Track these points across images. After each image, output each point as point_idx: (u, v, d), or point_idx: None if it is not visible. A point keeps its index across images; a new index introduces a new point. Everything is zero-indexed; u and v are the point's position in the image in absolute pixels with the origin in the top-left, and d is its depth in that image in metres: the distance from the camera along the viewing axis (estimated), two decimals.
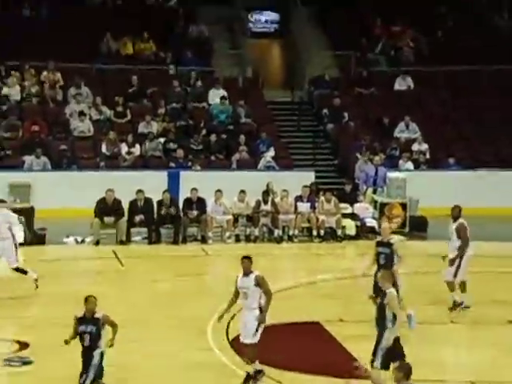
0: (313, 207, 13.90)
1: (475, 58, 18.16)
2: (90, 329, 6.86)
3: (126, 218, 13.52)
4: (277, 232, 13.71)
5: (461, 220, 9.80)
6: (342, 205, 14.12)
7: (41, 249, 13.07)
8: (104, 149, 16.05)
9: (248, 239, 13.70)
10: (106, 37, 18.27)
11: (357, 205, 14.38)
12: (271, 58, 20.47)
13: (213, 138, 16.40)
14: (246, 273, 7.60)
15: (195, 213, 13.60)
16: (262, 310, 7.50)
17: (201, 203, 13.71)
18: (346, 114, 17.42)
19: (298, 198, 14.00)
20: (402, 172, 15.24)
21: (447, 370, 7.65)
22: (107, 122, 16.73)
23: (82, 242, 13.48)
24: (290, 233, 13.76)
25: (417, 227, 14.16)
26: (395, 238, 9.14)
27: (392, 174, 14.67)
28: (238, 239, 13.69)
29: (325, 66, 18.44)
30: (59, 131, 16.38)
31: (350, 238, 13.41)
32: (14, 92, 16.81)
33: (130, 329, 9.23)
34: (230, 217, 13.67)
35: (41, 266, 12.33)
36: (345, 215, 13.98)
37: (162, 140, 16.37)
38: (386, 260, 8.89)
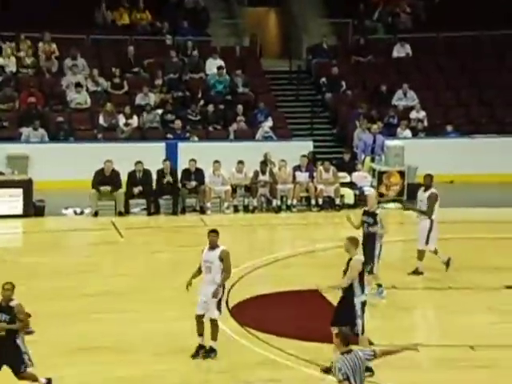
0: (311, 177, 13.93)
1: (474, 22, 17.98)
2: (4, 317, 6.59)
3: (124, 189, 13.53)
4: (275, 202, 13.76)
5: (433, 189, 9.92)
6: (341, 174, 14.16)
7: (40, 220, 13.12)
8: (101, 120, 15.99)
9: (246, 209, 13.75)
10: (102, 7, 18.03)
11: (355, 173, 14.42)
12: (268, 27, 20.25)
13: (210, 108, 16.33)
14: (213, 246, 7.64)
15: (194, 183, 13.60)
16: (218, 285, 7.51)
17: (199, 174, 13.71)
18: (343, 83, 17.32)
19: (297, 168, 14.02)
20: (400, 140, 15.19)
21: (446, 334, 7.79)
22: (104, 94, 16.63)
23: (81, 213, 13.52)
24: (289, 202, 13.80)
25: (414, 195, 14.22)
26: (380, 209, 9.23)
27: (390, 142, 14.68)
28: (236, 210, 13.74)
29: (322, 34, 18.25)
30: (56, 103, 16.30)
31: (349, 206, 13.48)
32: (9, 63, 16.66)
33: (129, 299, 9.37)
34: (229, 187, 13.69)
35: (40, 238, 12.45)
36: (343, 184, 14.02)
37: (159, 111, 16.29)
38: (367, 229, 9.02)
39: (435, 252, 9.91)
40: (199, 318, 7.63)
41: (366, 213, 9.12)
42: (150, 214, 13.47)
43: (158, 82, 16.87)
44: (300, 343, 8.12)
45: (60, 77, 16.67)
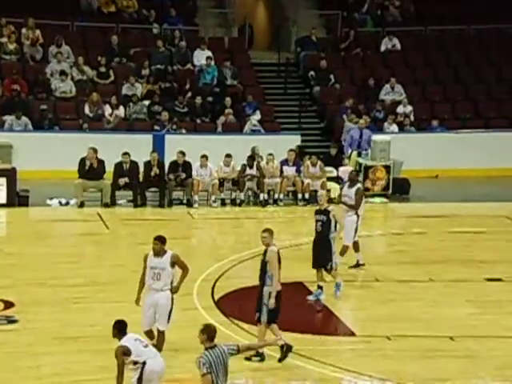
0: (298, 171, 14.16)
1: (463, 17, 18.30)
2: None
3: (110, 180, 13.65)
4: (262, 196, 13.99)
5: (359, 184, 10.29)
6: (328, 168, 14.41)
7: (24, 210, 13.22)
8: (87, 110, 16.07)
9: (233, 203, 13.96)
10: None
11: (341, 168, 14.70)
12: (257, 18, 20.40)
13: (198, 100, 16.47)
14: (158, 254, 7.47)
15: (183, 175, 13.78)
16: (177, 285, 7.44)
17: (186, 167, 13.89)
18: (332, 77, 17.55)
19: (284, 162, 14.25)
20: (387, 135, 15.47)
21: (426, 325, 8.11)
22: (90, 83, 16.70)
23: (66, 204, 13.64)
24: (276, 196, 14.04)
25: (399, 189, 14.55)
26: (332, 206, 9.40)
27: (376, 137, 14.92)
28: (223, 203, 13.94)
29: (312, 26, 18.45)
30: (40, 91, 16.31)
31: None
32: None
33: (113, 289, 9.57)
34: (216, 181, 13.88)
35: (24, 228, 12.57)
36: (330, 179, 14.30)
37: (146, 102, 16.40)
38: (322, 227, 9.19)
39: (347, 248, 10.05)
40: (149, 333, 7.47)
41: (318, 212, 9.29)
42: (136, 206, 13.63)
43: (145, 72, 16.98)
44: (284, 334, 8.38)
45: (44, 64, 16.69)
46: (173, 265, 7.43)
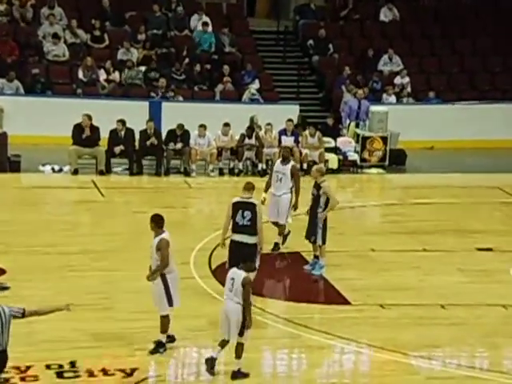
0: (296, 141, 14.31)
1: None
2: None
3: (105, 147, 13.75)
4: (260, 166, 14.14)
5: (293, 162, 9.99)
6: (326, 139, 14.57)
7: (15, 176, 13.20)
8: (81, 75, 16.04)
9: (232, 173, 14.10)
10: None
11: (340, 139, 14.88)
12: None
13: (196, 67, 16.49)
14: (155, 234, 7.41)
15: (179, 145, 13.88)
16: (150, 273, 7.32)
17: (184, 135, 13.98)
18: (330, 46, 17.60)
19: (282, 132, 14.39)
20: (384, 106, 15.59)
21: (418, 294, 8.41)
22: (83, 47, 16.65)
23: (60, 170, 13.68)
24: None
25: (396, 160, 14.76)
26: (325, 182, 9.25)
27: (374, 108, 15.04)
28: (221, 172, 14.07)
29: None
30: (31, 54, 16.24)
31: (333, 171, 13.95)
32: None
33: (108, 257, 9.77)
34: (214, 150, 14.02)
35: (16, 194, 12.66)
36: (328, 149, 14.45)
37: (142, 68, 16.41)
38: (313, 201, 9.39)
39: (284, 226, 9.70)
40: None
41: (314, 185, 9.41)
42: (132, 174, 13.73)
43: (141, 37, 16.95)
44: (279, 303, 8.69)
45: (36, 26, 16.59)
46: (157, 250, 7.37)
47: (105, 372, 7.05)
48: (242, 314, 6.88)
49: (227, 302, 7.01)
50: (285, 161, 9.83)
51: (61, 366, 7.09)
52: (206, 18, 17.33)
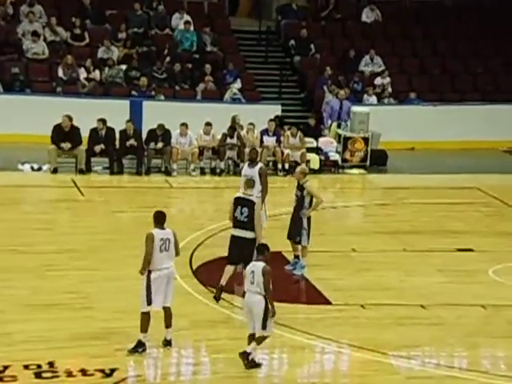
0: (278, 141, 14.35)
1: None
2: None
3: (85, 146, 13.66)
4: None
5: (260, 164, 9.90)
6: (307, 139, 14.63)
7: None
8: (60, 73, 15.95)
9: (213, 172, 14.09)
10: None
11: (321, 139, 14.94)
12: None
13: (177, 66, 16.46)
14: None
15: (160, 145, 13.83)
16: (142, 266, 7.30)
17: (165, 134, 13.94)
18: (312, 46, 17.68)
19: (264, 132, 14.42)
20: (366, 106, 15.71)
21: (399, 294, 8.48)
22: (63, 45, 16.56)
23: (39, 169, 13.61)
24: None
25: (377, 161, 14.86)
26: (308, 182, 9.36)
27: (355, 108, 15.14)
28: (203, 172, 14.06)
29: None
30: (11, 52, 16.12)
31: (314, 171, 14.01)
32: None
33: (88, 257, 9.71)
34: (196, 149, 13.99)
35: None
36: (309, 149, 14.50)
37: (123, 67, 16.35)
38: (296, 202, 9.42)
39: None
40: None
41: (297, 185, 9.47)
42: (112, 173, 13.67)
43: (122, 35, 16.88)
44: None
45: (15, 24, 16.49)
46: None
47: (84, 372, 7.00)
48: (264, 305, 6.99)
49: (249, 295, 7.12)
50: (252, 163, 9.69)
51: (39, 366, 7.04)
52: (187, 17, 17.32)
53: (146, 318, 7.41)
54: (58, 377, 6.92)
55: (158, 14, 17.43)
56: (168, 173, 13.86)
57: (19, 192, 12.73)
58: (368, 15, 18.65)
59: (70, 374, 6.96)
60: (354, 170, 14.72)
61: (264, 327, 7.06)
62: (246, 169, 9.79)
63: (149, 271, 7.38)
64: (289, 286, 9.20)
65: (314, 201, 9.26)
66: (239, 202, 8.51)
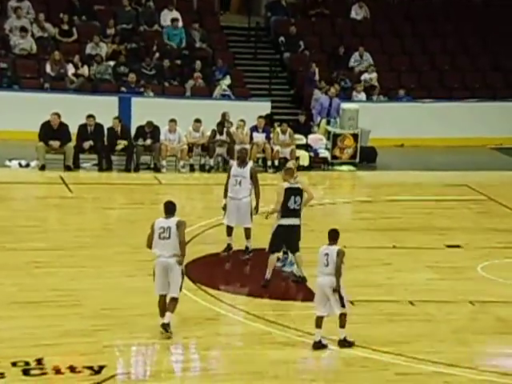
0: (268, 138, 14.35)
1: None
2: None
3: (73, 143, 13.61)
4: (231, 162, 14.14)
5: (251, 163, 9.88)
6: (297, 136, 14.65)
7: None
8: (48, 69, 15.88)
9: (203, 169, 14.08)
10: None
11: (311, 136, 14.96)
12: None
13: (166, 63, 16.43)
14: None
15: (149, 141, 13.80)
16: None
17: (154, 131, 13.91)
18: (301, 43, 17.69)
19: (254, 128, 14.42)
20: (355, 103, 15.72)
21: (388, 291, 8.52)
22: (51, 41, 16.48)
23: (27, 166, 13.55)
24: None
25: (366, 158, 14.90)
26: (300, 178, 9.32)
27: (344, 105, 15.18)
28: (192, 169, 14.04)
29: None
30: None
31: (304, 168, 14.03)
32: None
33: (76, 254, 9.68)
34: (185, 146, 13.97)
35: None
36: (299, 146, 14.52)
37: (111, 63, 16.29)
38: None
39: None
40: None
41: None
42: (101, 170, 13.63)
43: (110, 31, 16.82)
44: (250, 299, 8.70)
45: (2, 20, 16.39)
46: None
47: (72, 369, 6.99)
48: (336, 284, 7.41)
49: (323, 277, 7.52)
50: (242, 163, 9.63)
51: (27, 363, 7.02)
52: (176, 13, 17.28)
53: (160, 301, 7.62)
54: (46, 374, 6.91)
55: (147, 10, 17.38)
56: (157, 169, 13.83)
57: (7, 189, 12.67)
58: (357, 12, 18.70)
59: (58, 371, 6.94)
60: (344, 167, 14.76)
61: (343, 305, 7.47)
62: (235, 168, 9.69)
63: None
64: (278, 283, 9.22)
65: (304, 196, 9.24)
66: (291, 191, 8.80)
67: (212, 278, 9.00)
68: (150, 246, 7.68)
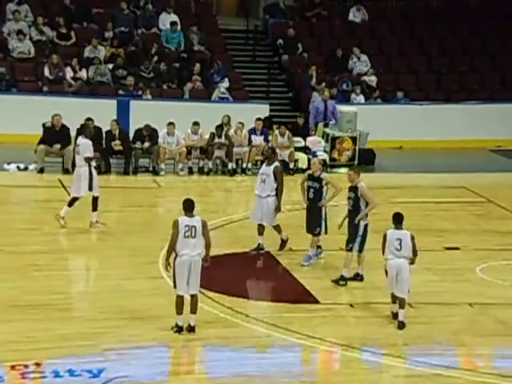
0: (266, 140, 14.38)
1: None
2: None
3: (72, 146, 13.61)
4: (230, 165, 14.15)
5: (277, 163, 10.00)
6: (295, 138, 14.67)
7: None
8: (47, 72, 15.91)
9: (201, 172, 14.10)
10: None
11: (309, 138, 14.99)
12: None
13: (164, 66, 16.45)
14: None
15: (147, 144, 13.80)
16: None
17: (153, 134, 13.93)
18: (300, 45, 17.72)
19: (252, 131, 14.44)
20: (353, 106, 15.76)
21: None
22: (50, 44, 16.51)
23: (25, 169, 13.57)
24: (244, 166, 14.24)
25: (365, 160, 14.93)
26: (324, 174, 9.62)
27: (343, 108, 15.21)
28: (190, 171, 14.06)
29: None
30: None
31: (302, 171, 14.06)
32: None
33: (75, 257, 9.69)
34: (183, 149, 13.98)
35: None
36: (297, 149, 14.54)
37: (109, 66, 16.31)
38: (314, 194, 9.55)
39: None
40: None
41: (310, 177, 9.58)
42: (100, 173, 13.53)
43: (109, 34, 16.85)
44: (249, 302, 8.71)
45: (1, 23, 16.43)
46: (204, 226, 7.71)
47: (71, 373, 6.99)
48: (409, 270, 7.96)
49: (397, 260, 8.06)
50: (269, 162, 9.91)
51: (26, 367, 7.01)
52: (174, 16, 17.31)
53: (178, 300, 7.65)
54: (45, 377, 6.91)
55: (145, 13, 17.41)
56: (156, 172, 13.85)
57: (5, 192, 12.68)
58: (355, 15, 18.75)
59: (57, 375, 6.94)
60: (342, 170, 14.78)
61: (408, 291, 7.98)
62: (263, 167, 9.97)
63: (176, 256, 7.53)
64: (277, 285, 9.23)
65: (332, 191, 9.46)
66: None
67: (211, 280, 9.01)
68: (174, 244, 7.53)
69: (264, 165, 9.98)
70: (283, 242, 9.99)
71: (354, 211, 9.09)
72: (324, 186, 9.49)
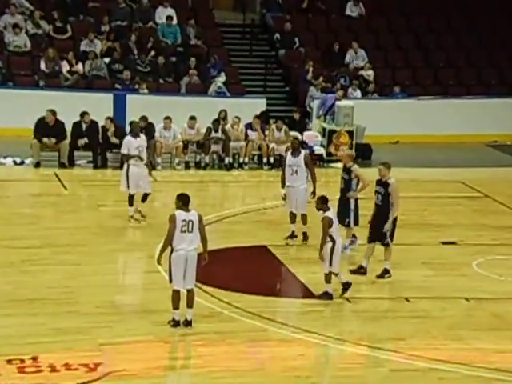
0: (264, 135, 14.38)
1: None
2: None
3: (68, 140, 13.59)
4: (227, 159, 14.14)
5: (304, 152, 10.19)
6: (292, 133, 14.66)
7: None
8: (43, 66, 15.86)
9: (198, 166, 14.08)
10: None
11: (306, 133, 14.97)
12: None
13: (161, 60, 16.41)
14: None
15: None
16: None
17: (149, 128, 13.90)
18: (296, 40, 17.69)
19: (249, 126, 14.42)
20: (350, 100, 15.73)
21: (384, 287, 8.55)
22: (46, 38, 16.45)
23: (21, 163, 13.55)
24: (241, 160, 14.23)
25: (362, 154, 14.94)
26: (355, 166, 9.75)
27: (340, 102, 15.18)
28: (187, 166, 14.04)
29: None
30: None
31: None
32: None
33: (71, 251, 9.68)
34: (180, 143, 13.96)
35: None
36: None
37: (106, 60, 16.26)
38: (344, 185, 9.74)
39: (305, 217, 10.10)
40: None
41: (344, 169, 9.80)
42: (96, 167, 13.63)
43: (105, 28, 16.79)
44: (246, 297, 8.70)
45: None
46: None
47: (68, 367, 6.98)
48: None
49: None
50: (295, 152, 10.01)
51: (22, 361, 7.01)
52: (171, 10, 17.26)
53: (174, 295, 7.63)
54: (41, 371, 6.90)
55: (142, 6, 17.35)
56: (152, 167, 13.81)
57: (1, 186, 12.68)
58: (352, 9, 18.72)
59: (53, 369, 6.93)
60: (339, 164, 14.74)
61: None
62: (289, 158, 10.06)
63: (171, 250, 7.48)
64: (274, 280, 9.23)
65: (361, 183, 9.55)
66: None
67: (208, 275, 9.00)
68: (170, 239, 7.50)
69: (290, 156, 10.00)
70: (305, 233, 10.13)
71: (384, 206, 9.13)
72: (354, 179, 9.53)
